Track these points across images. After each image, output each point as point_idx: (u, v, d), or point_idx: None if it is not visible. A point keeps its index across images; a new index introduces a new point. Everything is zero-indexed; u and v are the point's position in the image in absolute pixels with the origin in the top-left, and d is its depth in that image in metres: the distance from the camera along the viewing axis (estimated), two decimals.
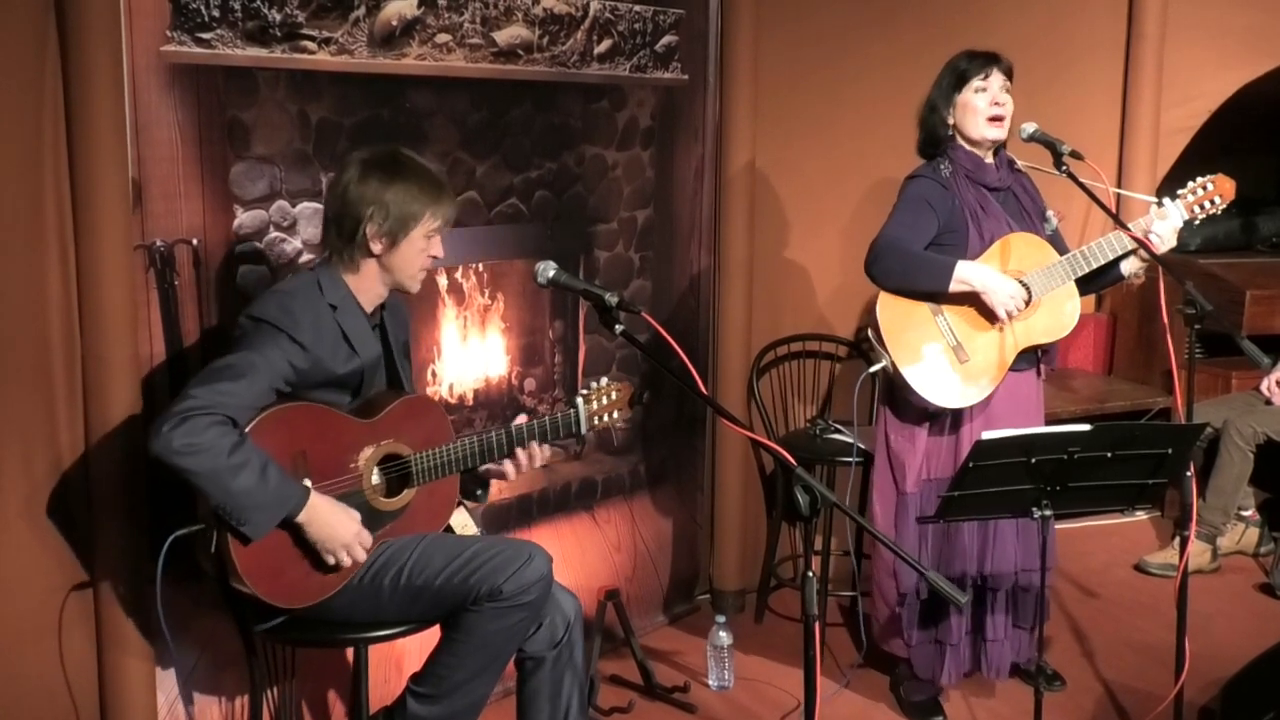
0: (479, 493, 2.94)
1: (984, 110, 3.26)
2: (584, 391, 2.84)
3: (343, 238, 2.62)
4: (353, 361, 2.62)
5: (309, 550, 2.53)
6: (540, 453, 2.81)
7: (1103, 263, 3.25)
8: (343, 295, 2.64)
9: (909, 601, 3.43)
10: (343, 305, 2.63)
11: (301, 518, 2.46)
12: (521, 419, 2.79)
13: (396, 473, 2.68)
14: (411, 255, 2.65)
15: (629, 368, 3.94)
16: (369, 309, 2.70)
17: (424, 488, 2.71)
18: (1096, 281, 3.37)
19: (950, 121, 3.32)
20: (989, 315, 3.26)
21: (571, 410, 2.82)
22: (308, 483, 2.50)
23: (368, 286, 2.67)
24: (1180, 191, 3.32)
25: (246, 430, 2.41)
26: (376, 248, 2.62)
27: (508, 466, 2.80)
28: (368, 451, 2.63)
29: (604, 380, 2.87)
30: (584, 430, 2.83)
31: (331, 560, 2.54)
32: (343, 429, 2.60)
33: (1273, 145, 6.16)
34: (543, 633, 2.73)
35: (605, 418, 2.85)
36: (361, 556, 2.57)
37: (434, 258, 2.69)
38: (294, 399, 2.54)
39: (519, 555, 2.62)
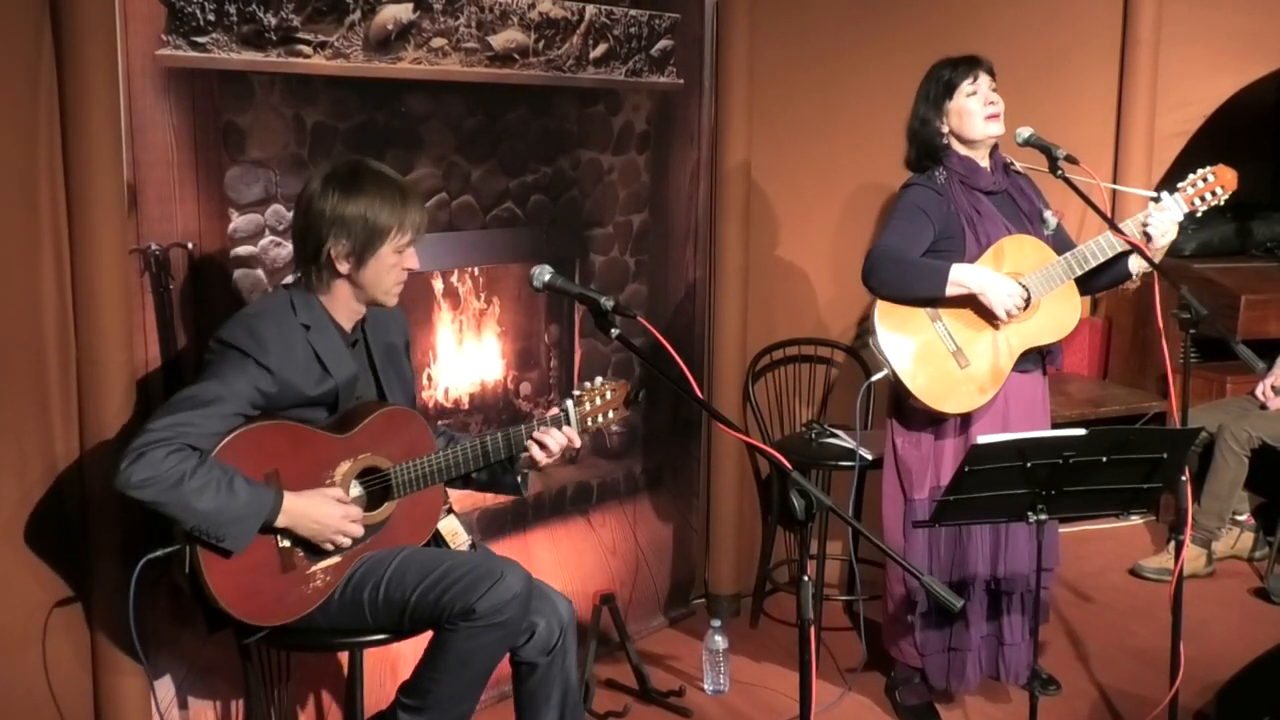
0: (520, 481, 2.85)
1: (980, 111, 3.27)
2: (576, 393, 2.81)
3: (307, 259, 2.58)
4: (325, 383, 2.58)
5: (284, 566, 2.52)
6: (566, 436, 2.74)
7: (1101, 261, 3.25)
8: (316, 315, 2.60)
9: (920, 609, 3.42)
10: (316, 325, 2.59)
11: (281, 521, 2.46)
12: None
13: (378, 485, 2.65)
14: (382, 272, 2.58)
15: (624, 372, 3.94)
16: (347, 326, 2.66)
17: (406, 499, 2.68)
18: (1101, 279, 3.36)
19: (945, 130, 3.33)
20: (988, 318, 3.26)
21: (561, 413, 2.78)
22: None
23: (342, 305, 2.63)
24: (1180, 184, 3.30)
25: (213, 454, 2.39)
26: (344, 268, 2.57)
27: (536, 453, 2.73)
28: (344, 466, 2.59)
29: (598, 380, 2.83)
30: (576, 430, 2.78)
31: (330, 548, 2.54)
32: (316, 445, 2.56)
33: (1268, 150, 6.17)
34: (537, 638, 2.72)
35: (600, 418, 2.81)
36: (358, 531, 2.56)
37: (408, 270, 2.63)
38: (265, 418, 2.51)
39: (491, 573, 2.57)
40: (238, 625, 2.56)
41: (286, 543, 2.52)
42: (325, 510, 2.52)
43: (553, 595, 2.79)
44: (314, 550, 2.55)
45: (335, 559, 2.58)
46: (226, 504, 2.36)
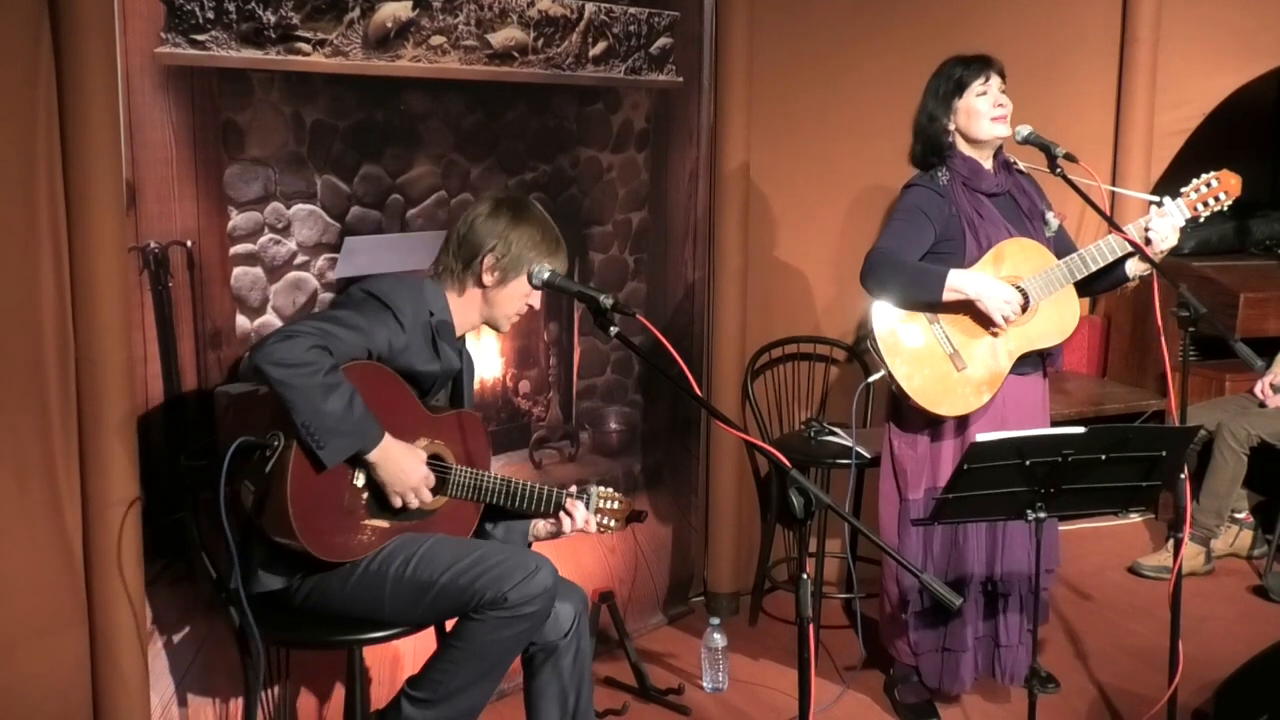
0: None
1: (988, 112, 3.27)
2: (597, 488, 2.94)
3: (460, 260, 2.78)
4: (432, 364, 2.73)
5: (349, 505, 2.59)
6: (589, 519, 2.90)
7: (1101, 265, 3.24)
8: (442, 307, 2.77)
9: (913, 608, 3.42)
10: (439, 315, 2.75)
11: (374, 456, 2.55)
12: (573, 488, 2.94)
13: (435, 474, 2.71)
14: (515, 296, 2.79)
15: (623, 369, 3.94)
16: (459, 332, 2.81)
17: (452, 502, 2.76)
18: (1099, 283, 3.35)
19: (951, 128, 3.32)
20: (985, 322, 3.25)
21: (583, 494, 2.92)
22: None
23: (465, 311, 2.81)
24: (1183, 190, 3.29)
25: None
26: (488, 280, 2.76)
27: (565, 522, 2.87)
28: (422, 441, 2.71)
29: (611, 489, 2.97)
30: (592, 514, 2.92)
31: (398, 502, 2.62)
32: (411, 409, 2.70)
33: (1268, 149, 6.17)
34: (551, 624, 2.75)
35: (603, 520, 2.95)
36: (428, 498, 2.66)
37: (531, 307, 2.84)
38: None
39: (526, 564, 2.63)
40: (265, 555, 2.60)
41: (360, 481, 2.60)
42: (414, 464, 2.62)
43: (565, 585, 2.82)
44: (377, 506, 2.63)
45: (384, 523, 2.66)
46: (344, 413, 2.46)
